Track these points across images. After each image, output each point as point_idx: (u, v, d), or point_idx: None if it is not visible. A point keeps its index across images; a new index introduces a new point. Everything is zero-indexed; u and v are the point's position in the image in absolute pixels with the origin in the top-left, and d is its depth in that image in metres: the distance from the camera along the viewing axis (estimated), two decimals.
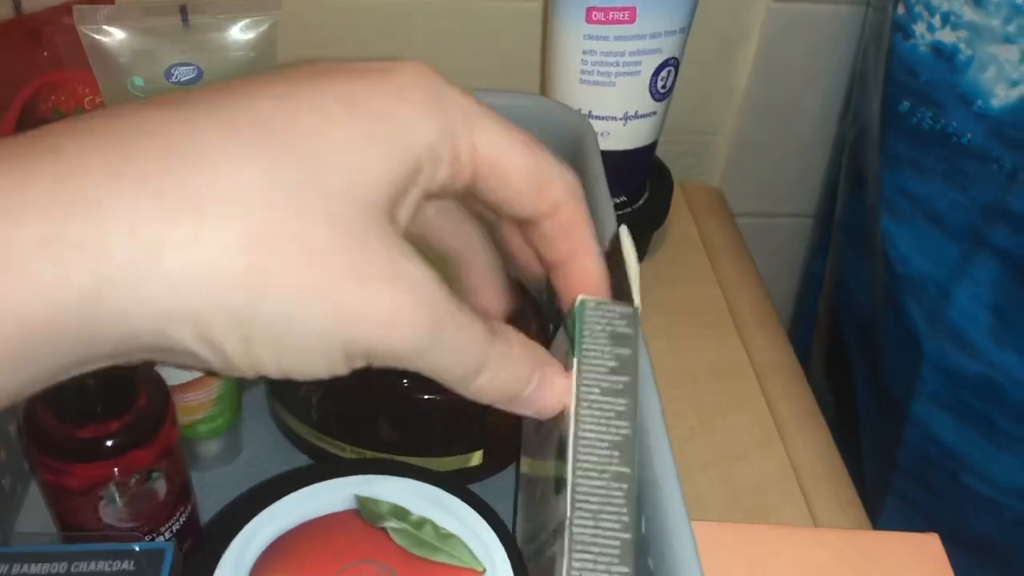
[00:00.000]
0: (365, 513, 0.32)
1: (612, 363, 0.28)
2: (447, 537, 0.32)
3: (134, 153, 0.19)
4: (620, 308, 0.29)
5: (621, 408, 0.28)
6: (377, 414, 0.42)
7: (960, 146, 0.51)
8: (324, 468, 0.35)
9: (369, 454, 0.43)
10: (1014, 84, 0.48)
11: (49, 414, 0.34)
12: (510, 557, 0.32)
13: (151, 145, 0.19)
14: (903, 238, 0.55)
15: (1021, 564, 0.57)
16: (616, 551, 0.26)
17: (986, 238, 0.52)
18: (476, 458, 0.44)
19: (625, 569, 0.26)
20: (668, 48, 0.51)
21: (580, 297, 0.28)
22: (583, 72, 0.51)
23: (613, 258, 0.31)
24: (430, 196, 0.25)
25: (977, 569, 0.55)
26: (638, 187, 0.59)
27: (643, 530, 0.30)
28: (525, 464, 0.40)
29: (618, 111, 0.52)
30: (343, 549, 0.31)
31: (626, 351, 0.28)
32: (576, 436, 0.27)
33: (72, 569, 0.34)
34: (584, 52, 0.50)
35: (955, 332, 0.54)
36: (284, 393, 0.44)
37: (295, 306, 0.20)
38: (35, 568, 0.34)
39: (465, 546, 0.32)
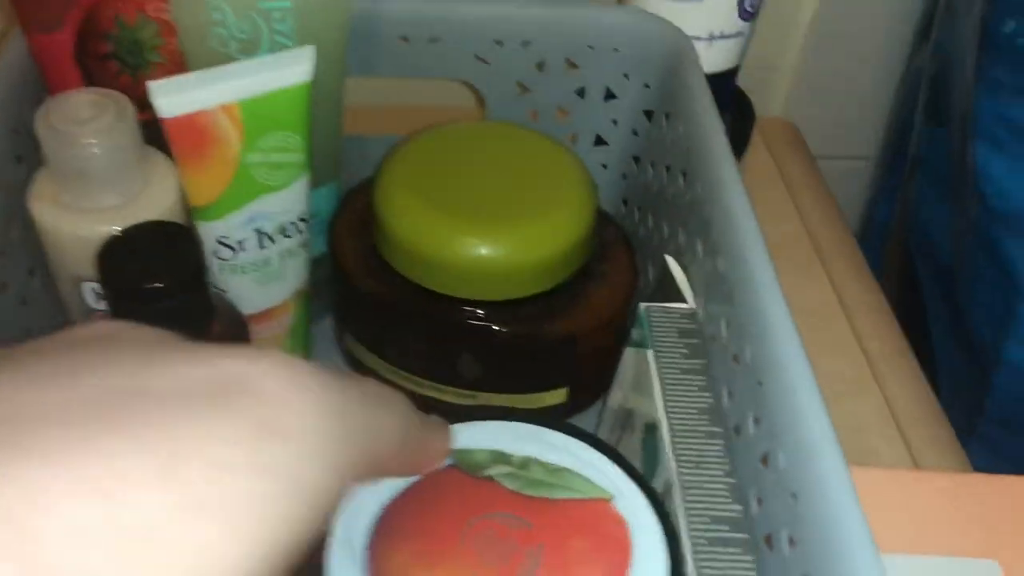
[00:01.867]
0: (464, 466, 0.29)
1: (684, 350, 0.33)
2: (558, 471, 0.29)
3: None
4: (681, 308, 0.34)
5: (702, 382, 0.32)
6: (459, 349, 0.39)
7: None
8: None
9: (448, 390, 0.40)
10: None
11: None
12: (633, 479, 0.28)
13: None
14: (1002, 171, 0.52)
15: None
16: (725, 492, 0.29)
17: None
18: (560, 395, 0.41)
19: (738, 507, 0.29)
20: None
21: (643, 305, 0.33)
22: None
23: (666, 276, 0.36)
24: None
25: None
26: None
27: (783, 467, 0.28)
28: (620, 400, 0.38)
29: (703, 31, 0.48)
30: (457, 508, 0.27)
31: (694, 340, 0.33)
32: (666, 405, 0.31)
33: None
34: None
35: None
36: (358, 327, 0.41)
37: None
38: None
39: (580, 476, 0.28)
